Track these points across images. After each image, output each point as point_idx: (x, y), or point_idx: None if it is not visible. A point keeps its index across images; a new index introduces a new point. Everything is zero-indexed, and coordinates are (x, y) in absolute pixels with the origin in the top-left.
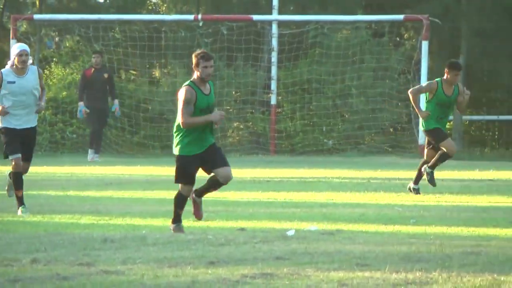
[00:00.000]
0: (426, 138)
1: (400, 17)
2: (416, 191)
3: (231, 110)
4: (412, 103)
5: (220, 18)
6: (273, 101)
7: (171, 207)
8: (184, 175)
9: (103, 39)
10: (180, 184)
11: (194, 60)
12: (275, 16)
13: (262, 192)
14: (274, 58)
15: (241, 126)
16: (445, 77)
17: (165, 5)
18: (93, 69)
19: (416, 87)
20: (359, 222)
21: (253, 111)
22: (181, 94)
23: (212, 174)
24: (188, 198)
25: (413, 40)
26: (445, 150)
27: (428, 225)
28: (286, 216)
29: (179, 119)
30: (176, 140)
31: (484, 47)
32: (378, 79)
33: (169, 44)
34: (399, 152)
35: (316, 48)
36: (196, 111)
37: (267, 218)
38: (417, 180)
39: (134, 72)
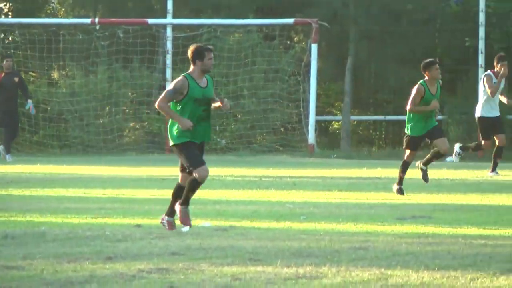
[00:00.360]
0: (405, 141)
1: (290, 21)
2: (401, 191)
3: (127, 110)
4: (417, 111)
5: (116, 22)
6: None
7: (70, 204)
8: (196, 157)
9: (3, 42)
10: (196, 170)
11: (196, 52)
12: (169, 20)
13: (158, 189)
14: (169, 61)
15: (137, 126)
16: (426, 78)
17: (63, 9)
18: (3, 74)
19: (410, 100)
20: (252, 218)
21: (149, 111)
22: (174, 82)
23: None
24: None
25: (303, 43)
26: (439, 149)
27: (318, 222)
28: None
29: (157, 101)
30: (173, 131)
31: (371, 49)
32: (269, 81)
33: (67, 47)
34: (289, 151)
35: None
36: (189, 101)
37: (162, 215)
38: (401, 180)
39: (33, 74)
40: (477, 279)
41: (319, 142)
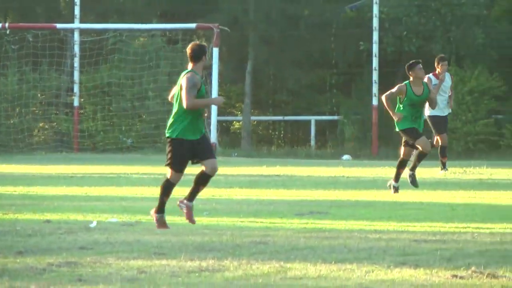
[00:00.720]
0: (403, 138)
1: (193, 25)
2: (396, 189)
3: (37, 111)
4: (386, 107)
5: (26, 27)
6: (76, 103)
7: None
8: (178, 160)
9: None
10: (170, 170)
11: (200, 51)
12: (77, 24)
13: (67, 186)
14: (76, 64)
15: (46, 126)
16: (411, 79)
17: None
18: None
19: (388, 92)
20: None
21: (58, 112)
22: (188, 79)
23: (198, 173)
24: (177, 206)
25: None
26: (420, 148)
27: (220, 217)
28: (88, 209)
29: (183, 103)
30: (172, 125)
31: (270, 53)
32: (173, 83)
33: None
34: None
35: (115, 54)
36: (198, 96)
37: (71, 211)
38: (397, 178)
39: None
40: (372, 272)
41: (221, 141)
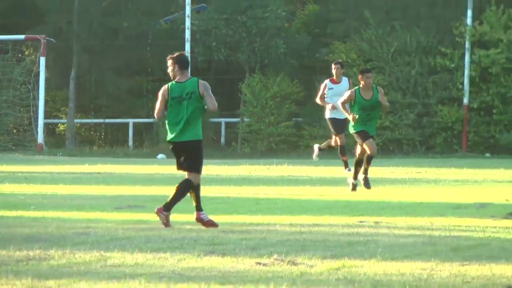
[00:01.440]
0: (357, 138)
1: (21, 36)
2: (354, 187)
3: None
4: (342, 111)
5: None
6: None
7: None
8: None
9: None
10: (199, 174)
11: (186, 59)
12: None
13: None
14: None
15: None
16: (361, 84)
17: None
18: None
19: (340, 98)
20: None
21: None
22: (207, 85)
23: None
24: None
25: (33, 56)
26: (367, 150)
27: (46, 211)
28: None
29: (210, 106)
30: (198, 126)
31: (92, 61)
32: (3, 89)
33: None
34: (21, 150)
35: None
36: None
37: None
38: (355, 175)
39: None
40: (184, 260)
41: (47, 142)
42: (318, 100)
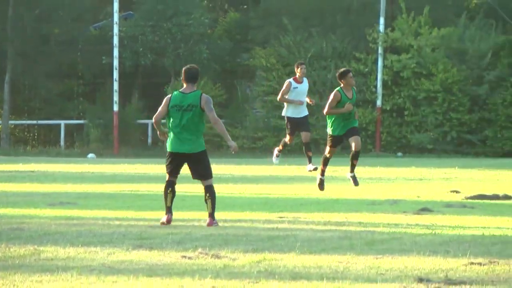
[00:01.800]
0: (328, 140)
1: None
2: (321, 182)
3: None
4: (337, 111)
5: None
6: None
7: None
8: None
9: None
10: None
11: (192, 73)
12: None
13: None
14: None
15: None
16: (342, 85)
17: None
18: None
19: (327, 105)
20: None
21: None
22: (211, 99)
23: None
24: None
25: None
26: (352, 147)
27: None
28: None
29: (212, 119)
30: (201, 138)
31: (25, 66)
32: None
33: None
34: None
35: None
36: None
37: None
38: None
39: None
40: (113, 253)
41: None
42: (281, 98)
